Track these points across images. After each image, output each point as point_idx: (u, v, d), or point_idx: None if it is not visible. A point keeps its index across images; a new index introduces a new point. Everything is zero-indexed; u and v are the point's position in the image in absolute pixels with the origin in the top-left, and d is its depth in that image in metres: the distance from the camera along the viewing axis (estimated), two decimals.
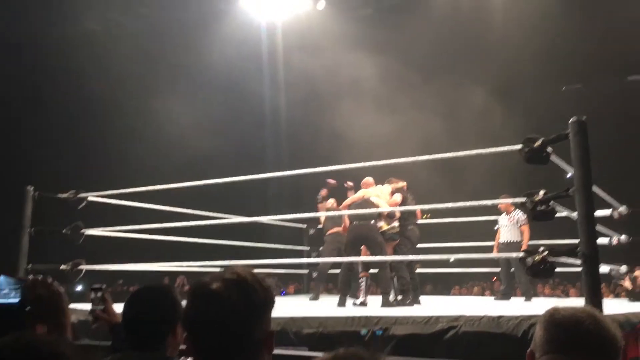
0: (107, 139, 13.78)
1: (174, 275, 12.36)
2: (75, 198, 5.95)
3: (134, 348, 1.89)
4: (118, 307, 2.35)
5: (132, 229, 6.29)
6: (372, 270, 6.76)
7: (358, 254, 6.27)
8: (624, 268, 6.86)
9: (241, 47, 14.00)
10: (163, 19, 13.46)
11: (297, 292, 11.02)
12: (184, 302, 2.05)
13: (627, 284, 7.07)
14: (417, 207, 6.55)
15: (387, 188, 6.75)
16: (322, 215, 7.47)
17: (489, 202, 4.87)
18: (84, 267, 5.88)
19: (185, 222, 5.95)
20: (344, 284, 6.45)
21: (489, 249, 7.83)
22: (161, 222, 6.10)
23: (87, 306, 5.01)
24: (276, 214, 8.31)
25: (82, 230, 5.97)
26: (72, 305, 5.15)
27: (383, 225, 6.28)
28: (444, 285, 12.83)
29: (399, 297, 6.32)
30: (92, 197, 6.06)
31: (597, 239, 3.56)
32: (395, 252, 6.44)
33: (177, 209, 6.87)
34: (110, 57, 12.93)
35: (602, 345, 1.32)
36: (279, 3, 14.11)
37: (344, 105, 13.45)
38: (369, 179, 6.85)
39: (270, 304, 1.39)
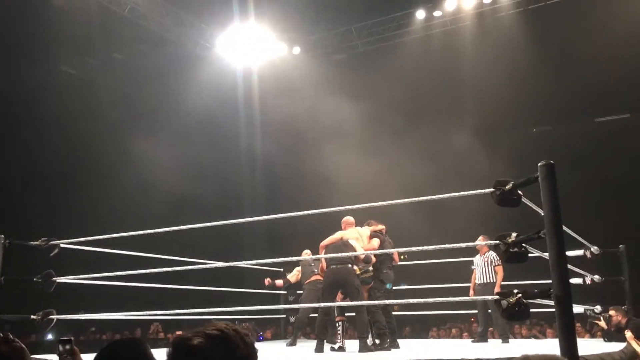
0: (82, 184, 13.63)
1: (148, 322, 12.14)
2: (47, 245, 5.84)
3: None
4: (89, 357, 2.30)
5: (104, 276, 6.18)
6: (348, 314, 6.72)
7: (335, 298, 6.23)
8: (598, 308, 6.92)
9: (218, 91, 14.14)
10: (139, 64, 13.54)
11: (275, 337, 10.86)
12: (156, 351, 2.02)
13: (602, 323, 7.11)
14: (394, 250, 6.56)
15: (366, 230, 6.75)
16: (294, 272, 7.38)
17: (462, 245, 4.90)
18: (55, 316, 5.73)
19: (159, 269, 5.85)
20: (321, 329, 6.37)
21: (466, 290, 7.85)
22: (135, 269, 6.00)
23: (56, 358, 4.90)
24: (252, 259, 8.24)
25: (54, 278, 5.85)
26: (42, 357, 5.02)
27: (357, 269, 6.26)
28: (422, 326, 12.75)
29: (377, 341, 6.26)
30: (64, 244, 5.96)
31: (569, 280, 3.59)
32: (369, 296, 6.39)
33: (151, 255, 6.77)
34: (85, 102, 12.92)
35: None
36: (255, 48, 14.33)
37: (320, 148, 13.57)
38: (349, 218, 6.83)
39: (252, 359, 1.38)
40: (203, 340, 1.33)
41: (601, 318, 7.05)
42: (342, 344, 6.31)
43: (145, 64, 13.52)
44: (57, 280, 5.86)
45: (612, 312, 6.90)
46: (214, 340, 1.33)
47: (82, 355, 2.39)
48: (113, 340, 2.04)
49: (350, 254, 6.09)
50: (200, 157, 13.75)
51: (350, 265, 6.16)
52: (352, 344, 6.37)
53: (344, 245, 6.27)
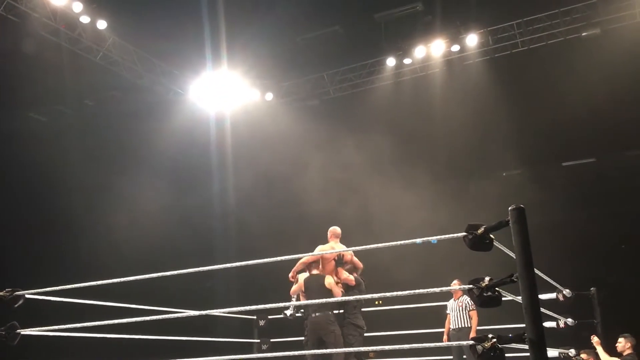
0: (49, 233, 13.35)
1: None
2: (11, 296, 5.65)
3: None
4: None
5: (71, 328, 5.98)
6: None
7: (319, 347, 6.09)
8: (572, 351, 6.93)
9: (190, 136, 14.15)
10: (111, 110, 13.51)
11: None
12: None
13: (585, 357, 7.17)
14: (369, 296, 6.50)
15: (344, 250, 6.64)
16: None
17: (437, 290, 4.89)
18: None
19: (128, 319, 5.69)
20: None
21: (441, 335, 7.79)
22: (103, 319, 5.83)
23: None
24: (224, 307, 8.09)
25: (18, 331, 5.64)
26: None
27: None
28: None
29: None
30: (29, 294, 5.78)
31: (542, 323, 3.59)
32: (344, 342, 6.28)
33: (120, 304, 6.60)
34: (55, 149, 12.77)
35: None
36: (227, 94, 14.43)
37: (293, 193, 13.58)
38: (336, 230, 6.76)
39: None
40: None
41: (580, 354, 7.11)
42: None
43: (117, 110, 13.51)
44: (22, 333, 5.66)
45: (584, 356, 6.96)
46: None
47: None
48: None
49: (330, 300, 6.05)
50: (173, 202, 13.62)
51: (329, 312, 6.12)
52: None
53: (318, 283, 6.20)
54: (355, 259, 6.71)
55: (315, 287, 6.25)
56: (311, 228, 7.04)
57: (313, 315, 6.17)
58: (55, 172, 12.81)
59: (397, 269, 11.55)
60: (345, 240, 6.89)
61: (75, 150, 13.14)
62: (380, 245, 5.12)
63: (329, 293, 6.21)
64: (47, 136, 12.92)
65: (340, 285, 6.51)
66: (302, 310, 6.68)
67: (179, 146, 13.63)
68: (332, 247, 6.62)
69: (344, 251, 6.49)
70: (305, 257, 6.65)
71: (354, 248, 5.07)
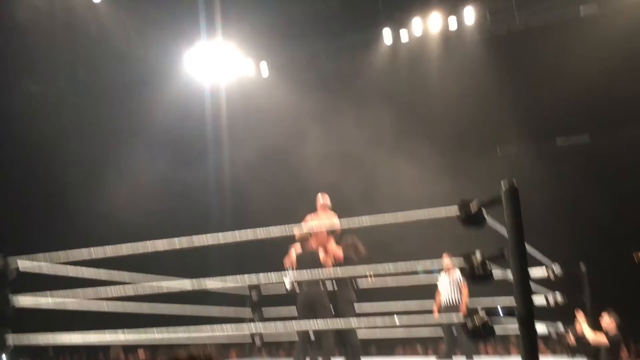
0: (46, 204, 13.34)
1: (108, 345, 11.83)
2: (4, 264, 5.66)
3: None
4: None
5: (63, 297, 6.01)
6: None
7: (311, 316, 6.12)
8: (560, 326, 7.04)
9: (185, 109, 14.03)
10: (105, 82, 13.38)
11: (240, 356, 10.71)
12: None
13: (571, 340, 7.30)
14: (361, 268, 6.54)
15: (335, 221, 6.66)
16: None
17: (428, 262, 4.93)
18: (11, 339, 5.55)
19: (123, 288, 5.71)
20: (300, 353, 6.32)
21: (431, 309, 7.87)
22: (97, 288, 5.85)
23: None
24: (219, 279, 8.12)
25: (11, 299, 5.66)
26: None
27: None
28: (388, 345, 12.74)
29: None
30: (22, 262, 5.78)
31: (532, 299, 3.63)
32: (340, 315, 6.30)
33: (114, 272, 6.60)
34: (48, 120, 12.66)
35: None
36: (222, 66, 14.30)
37: (293, 166, 13.57)
38: (326, 199, 6.77)
39: None
40: None
41: (569, 335, 7.25)
42: None
43: (111, 81, 13.38)
44: (13, 302, 5.68)
45: (577, 325, 7.12)
46: None
47: None
48: None
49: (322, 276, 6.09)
50: (167, 175, 13.56)
51: (321, 287, 6.15)
52: None
53: (312, 259, 6.24)
54: (338, 252, 6.60)
55: (308, 262, 6.28)
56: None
57: (305, 290, 6.21)
58: (49, 143, 12.74)
59: (397, 243, 11.61)
60: (344, 209, 6.87)
61: (69, 121, 13.06)
62: (362, 217, 5.15)
63: (320, 267, 6.25)
64: (40, 107, 12.82)
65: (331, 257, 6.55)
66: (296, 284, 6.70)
67: (174, 118, 13.53)
68: (321, 219, 6.68)
69: (328, 225, 6.45)
70: (296, 233, 6.69)
71: (355, 218, 5.07)
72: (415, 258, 5.35)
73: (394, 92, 13.82)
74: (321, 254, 6.41)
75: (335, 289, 6.45)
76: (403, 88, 13.88)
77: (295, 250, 6.73)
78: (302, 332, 6.33)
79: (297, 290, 6.65)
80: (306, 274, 6.04)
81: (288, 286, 7.10)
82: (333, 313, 6.24)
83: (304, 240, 6.49)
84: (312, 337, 6.46)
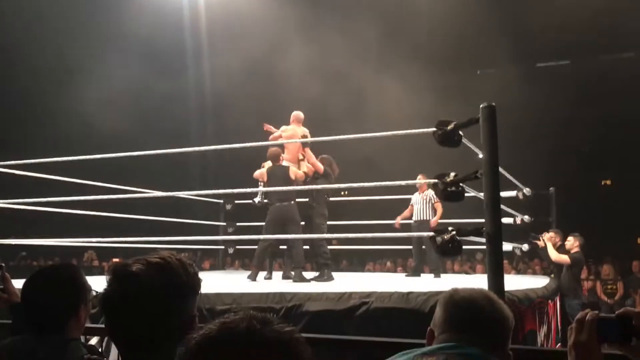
0: (18, 110, 13.02)
1: (82, 250, 11.97)
2: None
3: (34, 330, 1.81)
4: (19, 283, 2.25)
5: (38, 202, 5.99)
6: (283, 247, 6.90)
7: (278, 232, 6.28)
8: (525, 246, 7.29)
9: (161, 16, 13.45)
10: None
11: (212, 267, 10.94)
12: (90, 279, 2.00)
13: (541, 243, 7.61)
14: (335, 186, 6.61)
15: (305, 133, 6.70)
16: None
17: (403, 183, 4.99)
18: None
19: (95, 196, 5.70)
20: (260, 259, 6.54)
21: (403, 227, 8.05)
22: (72, 195, 5.83)
23: None
24: (193, 189, 8.16)
25: None
26: None
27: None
28: (359, 260, 13.12)
29: (317, 273, 6.44)
30: None
31: (501, 219, 3.73)
32: (314, 228, 6.45)
33: (89, 182, 6.57)
34: (19, 26, 12.12)
35: (495, 325, 1.43)
36: None
37: (271, 79, 13.32)
38: (299, 114, 6.80)
39: (195, 290, 1.36)
40: (143, 267, 1.30)
41: (540, 238, 7.54)
42: (270, 275, 6.78)
43: None
44: None
45: (552, 234, 7.39)
46: (154, 267, 1.31)
47: (12, 281, 2.33)
48: (45, 265, 1.99)
49: (291, 188, 6.18)
50: (143, 85, 13.19)
51: (293, 202, 6.26)
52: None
53: (283, 174, 6.30)
54: (318, 163, 6.62)
55: (280, 177, 6.36)
56: (288, 113, 6.97)
57: (277, 204, 6.32)
58: (20, 50, 12.26)
59: (380, 161, 11.69)
60: (325, 124, 6.84)
61: (40, 28, 12.48)
62: (340, 137, 5.15)
63: (293, 183, 6.33)
64: (8, 11, 12.21)
65: (310, 170, 6.62)
66: (267, 200, 6.79)
67: (151, 26, 12.96)
68: (294, 130, 6.69)
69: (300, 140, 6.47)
70: (276, 134, 6.73)
71: (322, 138, 5.09)
72: (398, 178, 5.41)
73: (378, 5, 13.43)
74: (294, 170, 6.45)
75: (313, 203, 6.55)
76: (384, 1, 13.51)
77: (266, 165, 6.76)
78: (264, 244, 6.48)
79: (265, 202, 6.77)
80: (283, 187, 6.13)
81: (257, 200, 7.22)
82: (300, 229, 6.42)
83: (276, 155, 6.52)
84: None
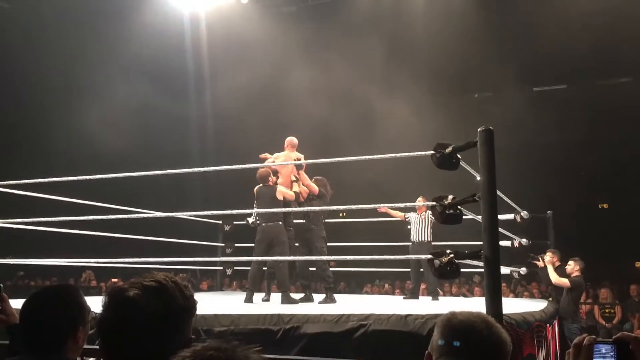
0: (20, 130, 13.05)
1: (80, 270, 11.92)
2: None
3: (31, 351, 1.81)
4: (17, 303, 2.25)
5: (37, 221, 5.98)
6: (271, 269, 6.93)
7: (266, 252, 6.31)
8: (523, 269, 7.29)
9: (163, 37, 13.57)
10: (79, 3, 12.82)
11: (210, 288, 10.90)
12: (88, 299, 2.00)
13: (540, 263, 7.61)
14: (333, 208, 6.62)
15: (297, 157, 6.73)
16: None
17: (401, 205, 5.01)
18: None
19: (96, 216, 5.70)
20: (254, 280, 6.56)
21: (400, 249, 8.04)
22: (71, 216, 5.83)
23: None
24: (193, 210, 8.16)
25: None
26: None
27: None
28: (356, 282, 13.07)
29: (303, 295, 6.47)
30: None
31: (499, 242, 3.74)
32: (316, 252, 6.46)
33: (88, 202, 6.58)
34: (19, 39, 12.21)
35: (494, 350, 1.43)
36: None
37: (270, 100, 13.41)
38: (293, 140, 6.83)
39: (191, 313, 1.37)
40: (139, 291, 1.31)
41: (539, 259, 7.53)
42: (268, 297, 6.80)
43: (85, 3, 12.82)
44: None
45: (550, 254, 7.37)
46: (150, 291, 1.31)
47: (10, 301, 2.33)
48: (44, 286, 2.00)
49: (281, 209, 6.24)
50: (146, 106, 13.26)
51: (280, 223, 6.32)
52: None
53: (270, 193, 6.31)
54: (312, 184, 6.69)
55: (266, 197, 6.43)
56: (287, 133, 7.03)
57: (264, 224, 6.36)
58: (22, 65, 12.33)
59: (388, 182, 11.71)
60: (322, 147, 6.86)
61: (42, 44, 12.57)
62: (338, 159, 5.17)
63: (279, 204, 6.36)
64: (11, 26, 12.31)
65: (303, 191, 6.63)
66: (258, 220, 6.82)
67: (152, 47, 13.07)
68: (287, 155, 6.74)
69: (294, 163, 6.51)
70: (269, 160, 6.80)
71: (322, 160, 5.11)
72: (403, 199, 5.45)
73: (376, 30, 13.56)
74: (281, 189, 6.46)
75: (311, 225, 6.56)
76: (386, 27, 13.64)
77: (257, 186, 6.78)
78: (257, 265, 6.53)
79: (257, 223, 6.79)
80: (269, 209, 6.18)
81: (251, 220, 7.27)
82: (297, 247, 6.44)
83: (264, 176, 6.55)
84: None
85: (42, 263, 6.45)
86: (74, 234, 6.37)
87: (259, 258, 6.33)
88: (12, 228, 6.13)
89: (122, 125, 12.50)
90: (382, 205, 6.51)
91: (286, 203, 6.48)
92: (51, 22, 12.87)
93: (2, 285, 2.31)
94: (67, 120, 12.87)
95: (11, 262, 6.43)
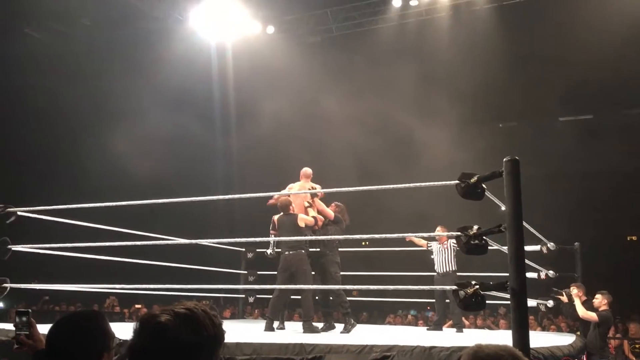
0: (48, 156, 13.32)
1: (104, 295, 11.99)
2: (3, 212, 5.69)
3: None
4: (42, 328, 2.27)
5: (62, 247, 6.06)
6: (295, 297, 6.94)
7: (287, 280, 6.30)
8: (550, 302, 7.14)
9: (191, 66, 13.83)
10: (108, 33, 13.17)
11: (232, 316, 10.86)
12: (112, 325, 2.01)
13: (564, 298, 7.43)
14: (356, 237, 6.58)
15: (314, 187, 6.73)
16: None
17: (425, 235, 4.97)
18: (9, 285, 5.62)
19: (120, 242, 5.76)
20: (275, 309, 6.53)
21: (424, 279, 7.95)
22: (95, 241, 5.90)
23: (8, 326, 4.80)
24: (217, 237, 8.20)
25: (9, 246, 5.72)
26: None
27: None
28: (379, 313, 12.93)
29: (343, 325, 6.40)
30: (21, 212, 5.82)
31: (525, 274, 3.68)
32: (331, 278, 6.43)
33: (113, 228, 6.64)
34: (55, 72, 12.51)
35: None
36: (228, 24, 14.10)
37: (294, 128, 13.51)
38: (307, 170, 6.85)
39: (220, 341, 1.37)
40: (171, 317, 1.32)
41: (563, 293, 7.36)
42: (282, 325, 6.78)
43: (115, 33, 13.16)
44: (12, 248, 5.74)
45: (574, 288, 7.19)
46: (182, 318, 1.32)
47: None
48: (70, 312, 2.02)
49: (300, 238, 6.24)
50: (173, 134, 13.46)
51: (302, 251, 6.29)
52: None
53: (291, 222, 6.30)
54: (327, 210, 6.68)
55: (288, 226, 6.41)
56: (312, 161, 7.07)
57: (286, 253, 6.35)
58: (54, 93, 12.62)
59: (384, 211, 11.67)
60: (346, 175, 6.85)
61: (73, 72, 12.89)
62: (361, 188, 5.16)
63: (301, 232, 6.34)
64: (42, 55, 12.65)
65: (319, 218, 6.63)
66: (279, 249, 6.80)
67: (179, 75, 13.32)
68: (302, 186, 6.78)
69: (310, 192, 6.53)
70: (280, 194, 6.77)
71: (353, 188, 5.11)
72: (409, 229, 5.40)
73: (399, 61, 13.64)
74: (302, 217, 6.44)
75: (326, 251, 6.54)
76: (408, 56, 13.73)
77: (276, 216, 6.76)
78: (278, 293, 6.51)
79: (277, 251, 6.77)
80: (285, 238, 6.18)
81: (269, 252, 7.28)
82: (313, 275, 6.40)
83: (286, 205, 6.54)
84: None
85: (67, 288, 6.50)
86: (98, 259, 6.43)
87: (282, 286, 6.30)
88: (38, 253, 6.21)
89: (150, 153, 12.68)
90: (407, 235, 6.51)
91: (302, 232, 6.45)
92: (82, 51, 13.21)
93: (30, 311, 2.34)
94: (96, 147, 13.09)
95: (37, 287, 6.50)
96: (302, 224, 6.39)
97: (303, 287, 6.22)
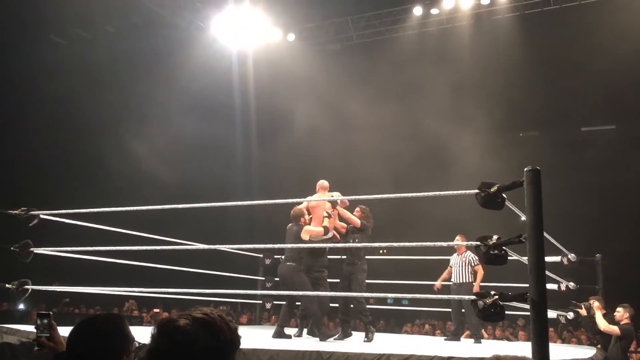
0: (72, 160, 13.50)
1: (123, 299, 12.07)
2: (26, 215, 5.78)
3: None
4: (62, 330, 2.30)
5: (83, 250, 6.13)
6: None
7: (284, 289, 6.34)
8: (570, 314, 7.04)
9: (212, 73, 13.95)
10: (132, 40, 13.33)
11: (249, 322, 10.88)
12: (131, 329, 2.03)
13: (582, 311, 7.32)
14: (375, 245, 6.56)
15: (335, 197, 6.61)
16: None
17: (444, 244, 4.95)
18: (30, 287, 5.70)
19: (139, 247, 5.81)
20: (285, 317, 6.66)
21: (445, 289, 7.91)
22: (115, 245, 5.97)
23: (29, 327, 4.87)
24: (237, 243, 8.22)
25: (31, 249, 5.80)
26: (15, 326, 4.99)
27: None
28: (396, 321, 12.86)
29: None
30: (44, 215, 5.91)
31: (545, 285, 3.64)
32: (355, 286, 6.39)
33: (133, 232, 6.71)
34: (79, 77, 12.69)
35: None
36: (249, 32, 14.21)
37: (315, 135, 13.54)
38: (324, 182, 6.77)
39: (236, 346, 1.39)
40: (189, 322, 1.34)
41: (582, 306, 7.25)
42: (300, 333, 6.78)
43: (138, 40, 13.32)
44: (35, 251, 5.82)
45: (595, 301, 7.08)
46: (199, 323, 1.34)
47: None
48: (90, 314, 2.04)
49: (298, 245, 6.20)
50: (194, 140, 13.57)
51: (292, 264, 6.26)
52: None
53: (295, 233, 6.32)
54: (353, 217, 6.57)
55: (291, 237, 6.41)
56: (333, 168, 7.07)
57: (281, 264, 6.42)
58: (75, 99, 12.79)
59: (401, 220, 11.60)
60: (365, 181, 6.82)
61: (96, 78, 13.07)
62: (380, 196, 5.14)
63: (301, 243, 6.24)
64: (66, 60, 12.83)
65: (340, 226, 6.62)
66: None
67: (201, 83, 13.44)
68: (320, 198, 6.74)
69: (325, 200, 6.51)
70: (302, 205, 6.72)
71: (365, 197, 5.10)
72: (428, 238, 5.35)
73: (419, 70, 13.61)
74: (307, 228, 6.40)
75: (355, 260, 6.49)
76: (428, 66, 13.68)
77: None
78: (288, 301, 6.62)
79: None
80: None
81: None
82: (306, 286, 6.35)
83: (297, 215, 6.52)
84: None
85: (87, 291, 6.57)
86: (117, 263, 6.49)
87: (299, 293, 6.28)
88: (59, 256, 6.29)
89: (171, 158, 12.80)
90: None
91: (315, 251, 6.39)
92: (105, 57, 13.39)
93: (51, 313, 2.37)
94: (118, 152, 13.24)
95: (57, 290, 6.58)
96: (305, 237, 6.30)
97: (324, 294, 6.23)
